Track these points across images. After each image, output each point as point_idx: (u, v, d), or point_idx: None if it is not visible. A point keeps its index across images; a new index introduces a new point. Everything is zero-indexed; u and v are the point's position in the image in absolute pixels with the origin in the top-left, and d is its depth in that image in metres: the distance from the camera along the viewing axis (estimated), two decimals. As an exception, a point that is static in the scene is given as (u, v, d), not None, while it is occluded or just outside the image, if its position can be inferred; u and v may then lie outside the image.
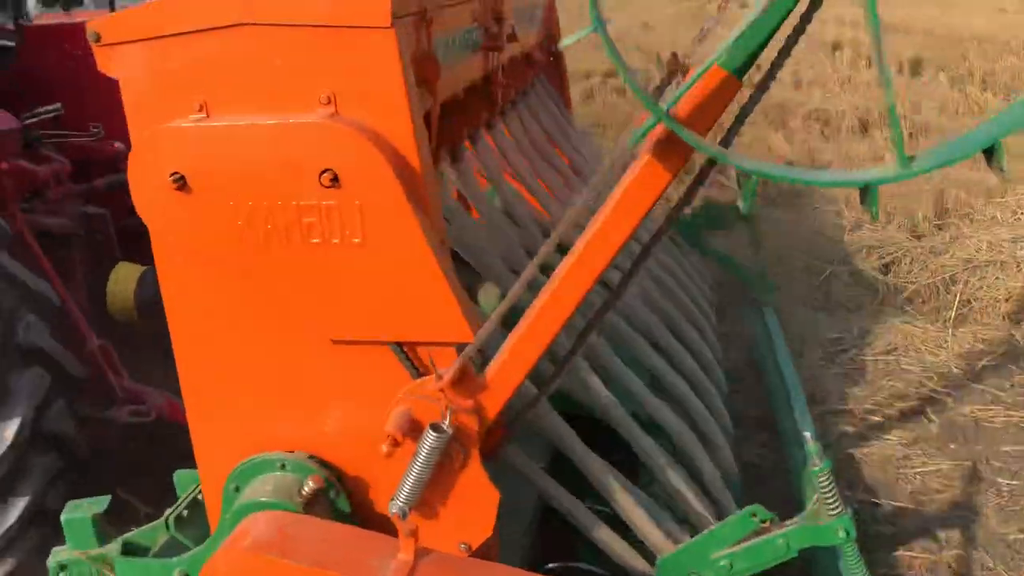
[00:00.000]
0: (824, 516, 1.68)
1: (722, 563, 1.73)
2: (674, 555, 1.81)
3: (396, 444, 1.54)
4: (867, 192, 1.24)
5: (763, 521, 1.71)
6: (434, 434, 1.55)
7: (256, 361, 1.77)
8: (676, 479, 2.03)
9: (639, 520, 1.89)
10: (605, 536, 1.90)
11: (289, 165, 1.59)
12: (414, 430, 1.60)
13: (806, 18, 1.51)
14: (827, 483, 1.67)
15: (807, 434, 1.77)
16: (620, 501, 1.91)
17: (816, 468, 1.68)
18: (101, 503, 2.01)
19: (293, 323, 1.71)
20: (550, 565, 2.04)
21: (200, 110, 1.66)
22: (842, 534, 1.67)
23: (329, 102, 1.60)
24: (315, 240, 1.63)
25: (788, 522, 1.71)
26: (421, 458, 1.56)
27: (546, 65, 3.67)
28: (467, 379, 1.61)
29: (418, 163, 1.61)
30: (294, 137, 1.59)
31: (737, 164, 1.39)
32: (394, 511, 1.56)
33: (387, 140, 1.60)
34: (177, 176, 1.64)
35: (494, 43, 2.31)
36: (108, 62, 1.71)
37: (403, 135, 1.60)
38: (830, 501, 1.67)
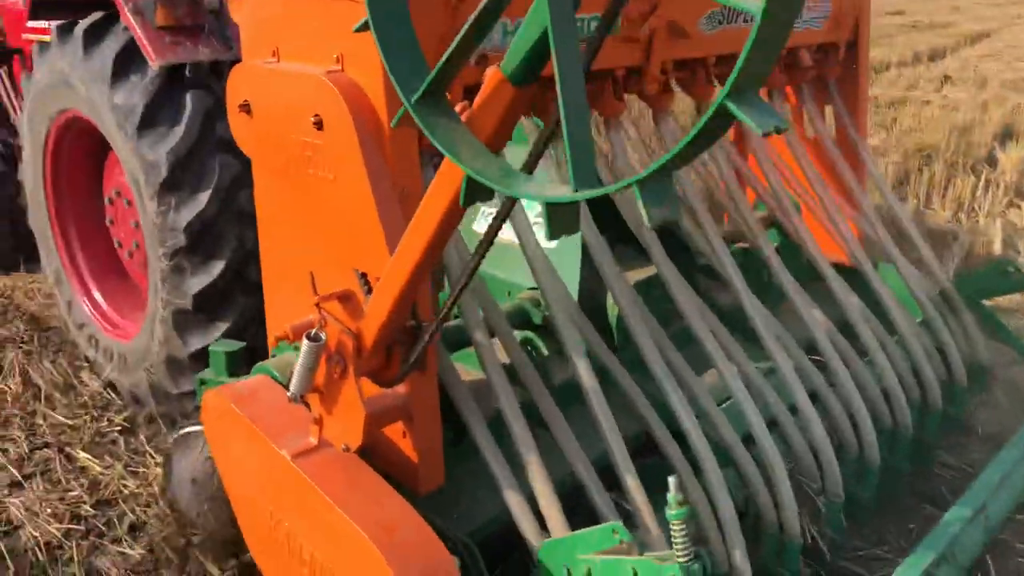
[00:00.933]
0: (671, 559, 1.69)
1: (584, 566, 1.80)
2: (555, 542, 1.88)
3: (288, 339, 1.88)
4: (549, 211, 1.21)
5: (621, 540, 1.73)
6: (306, 340, 1.82)
7: (283, 251, 2.22)
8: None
9: (544, 498, 1.98)
10: (516, 505, 1.97)
11: (300, 107, 2.00)
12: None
13: (610, 16, 1.37)
14: (679, 529, 1.68)
15: (671, 479, 1.72)
16: (531, 466, 2.00)
17: (672, 513, 1.69)
18: (235, 345, 2.54)
19: (302, 234, 2.13)
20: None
21: (273, 55, 2.15)
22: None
23: (338, 61, 1.97)
24: (311, 171, 2.03)
25: (647, 553, 1.72)
26: (299, 359, 1.83)
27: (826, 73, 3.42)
28: (353, 304, 1.84)
29: (386, 120, 1.89)
30: (302, 85, 2.01)
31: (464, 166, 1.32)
32: (287, 395, 1.88)
33: (366, 98, 1.92)
34: (244, 103, 2.15)
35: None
36: (234, 11, 2.28)
37: (378, 94, 1.90)
38: (680, 547, 1.69)
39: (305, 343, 1.83)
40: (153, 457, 3.23)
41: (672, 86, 2.77)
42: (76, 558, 2.71)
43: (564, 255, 2.49)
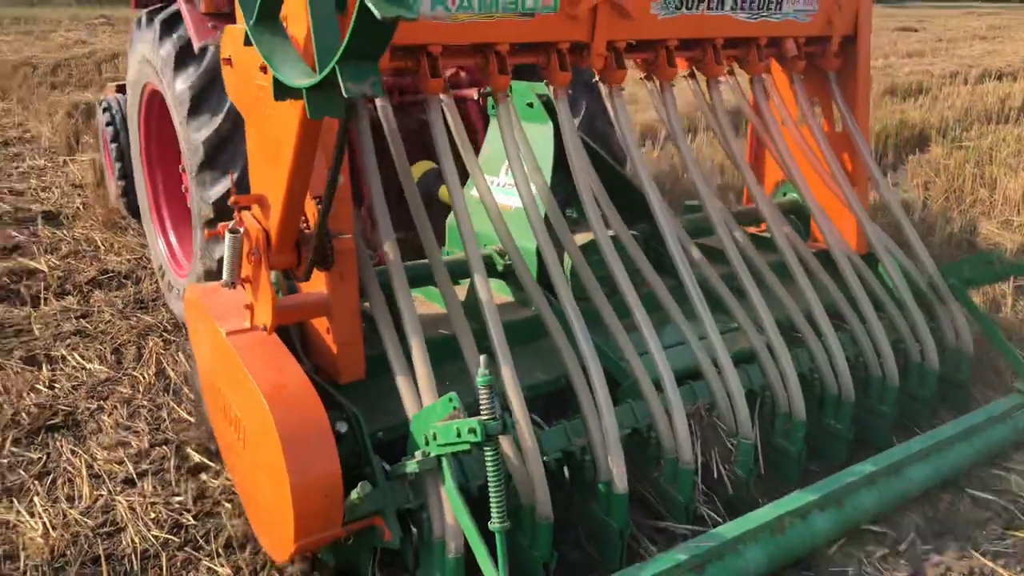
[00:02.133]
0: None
1: (431, 432, 2.16)
2: (418, 414, 2.26)
3: (221, 234, 2.33)
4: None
5: (455, 407, 2.10)
6: (228, 233, 2.28)
7: (255, 179, 2.39)
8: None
9: (421, 374, 2.33)
10: (402, 385, 2.33)
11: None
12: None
13: None
14: (485, 395, 2.02)
15: (482, 357, 2.08)
16: (413, 349, 2.35)
17: (479, 380, 2.02)
18: None
19: (262, 162, 2.30)
20: None
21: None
22: (479, 432, 2.00)
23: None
24: (263, 109, 2.12)
25: (470, 417, 2.05)
26: (225, 250, 2.29)
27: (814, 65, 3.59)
28: (266, 208, 2.25)
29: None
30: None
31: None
32: (220, 283, 2.34)
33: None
34: (227, 57, 2.26)
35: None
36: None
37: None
38: (485, 408, 2.02)
39: (227, 235, 2.29)
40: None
41: (623, 63, 2.98)
42: (168, 574, 2.61)
43: (523, 219, 2.77)
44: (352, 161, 3.36)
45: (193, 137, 3.48)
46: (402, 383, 2.34)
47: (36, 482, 3.06)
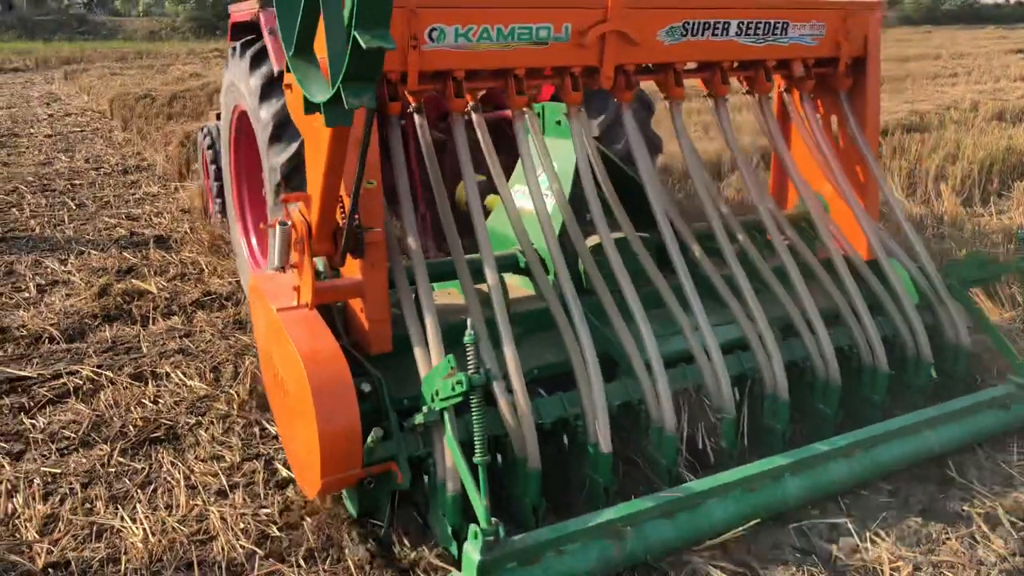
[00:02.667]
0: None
1: (435, 390, 2.58)
2: (426, 376, 2.68)
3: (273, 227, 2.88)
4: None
5: (452, 367, 2.49)
6: (278, 225, 2.82)
7: (311, 184, 2.79)
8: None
9: (433, 345, 2.79)
10: (422, 361, 2.78)
11: None
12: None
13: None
14: (469, 351, 2.42)
15: (469, 320, 2.55)
16: (428, 326, 2.83)
17: (465, 340, 2.43)
18: None
19: (313, 166, 2.75)
20: None
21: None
22: (464, 383, 2.41)
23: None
24: (312, 124, 2.57)
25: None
26: (276, 238, 2.82)
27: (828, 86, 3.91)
28: (309, 204, 2.78)
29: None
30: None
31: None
32: (270, 267, 2.96)
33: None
34: (288, 83, 2.69)
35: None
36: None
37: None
38: (468, 361, 2.42)
39: (278, 227, 2.83)
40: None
41: (632, 85, 3.40)
42: (252, 584, 2.77)
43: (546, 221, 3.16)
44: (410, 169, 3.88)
45: (273, 160, 3.94)
46: (419, 353, 2.80)
47: (139, 491, 3.29)
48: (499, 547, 2.43)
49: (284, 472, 3.39)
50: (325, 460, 2.58)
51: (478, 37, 3.00)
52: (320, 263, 2.89)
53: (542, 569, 2.52)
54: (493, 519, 2.42)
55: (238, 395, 4.04)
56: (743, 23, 3.49)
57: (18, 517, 3.12)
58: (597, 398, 2.84)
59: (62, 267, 6.05)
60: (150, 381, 4.21)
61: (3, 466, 3.46)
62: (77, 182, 9.07)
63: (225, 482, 3.33)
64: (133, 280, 5.66)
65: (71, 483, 3.33)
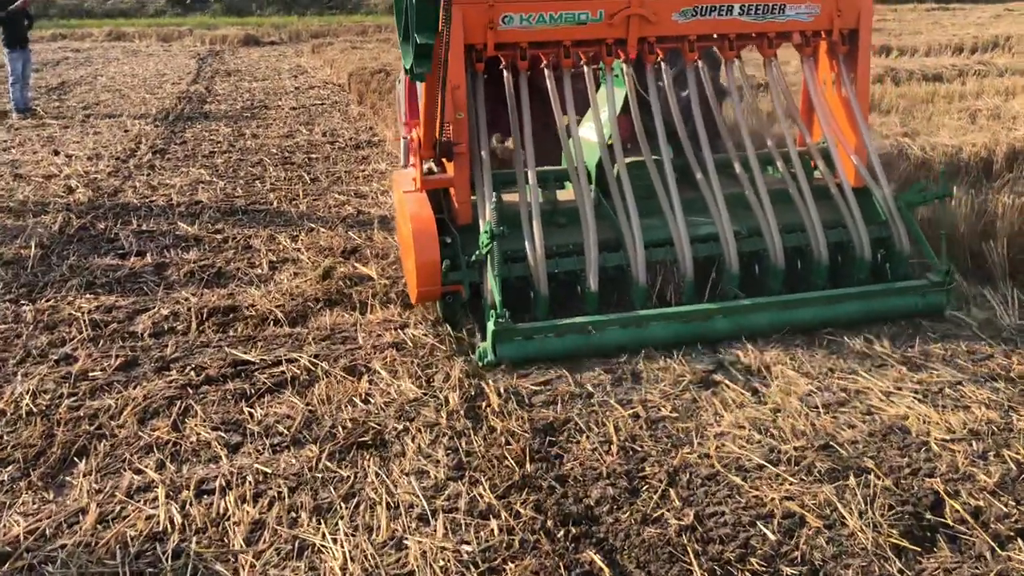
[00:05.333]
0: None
1: (483, 239, 4.14)
2: (481, 231, 4.22)
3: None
4: None
5: (493, 235, 4.10)
6: (403, 138, 5.07)
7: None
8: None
9: (489, 213, 4.30)
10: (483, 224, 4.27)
11: None
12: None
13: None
14: (491, 213, 4.23)
15: (493, 194, 4.36)
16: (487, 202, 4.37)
17: (488, 208, 4.25)
18: None
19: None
20: None
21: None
22: (489, 232, 4.08)
23: None
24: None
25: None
26: (402, 147, 5.35)
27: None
28: (419, 127, 4.64)
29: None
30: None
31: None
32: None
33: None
34: None
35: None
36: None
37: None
38: (492, 220, 4.20)
39: (402, 140, 4.80)
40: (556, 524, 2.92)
41: (654, 51, 4.71)
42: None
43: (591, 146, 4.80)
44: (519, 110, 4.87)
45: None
46: (481, 223, 4.28)
47: (343, 503, 3.16)
48: (506, 324, 4.05)
49: (488, 498, 3.12)
50: (420, 277, 4.35)
51: (536, 21, 4.52)
52: (428, 164, 4.57)
53: (536, 343, 4.15)
54: (505, 311, 4.06)
55: (449, 401, 3.84)
56: (744, 6, 4.68)
57: (228, 519, 3.09)
58: (593, 258, 4.33)
59: (292, 244, 6.23)
60: (363, 377, 4.13)
61: (221, 458, 3.48)
62: (314, 155, 9.47)
63: (427, 506, 3.12)
64: (355, 264, 5.69)
65: (279, 486, 3.26)
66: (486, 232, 4.04)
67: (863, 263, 4.66)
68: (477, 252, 4.15)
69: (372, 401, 3.90)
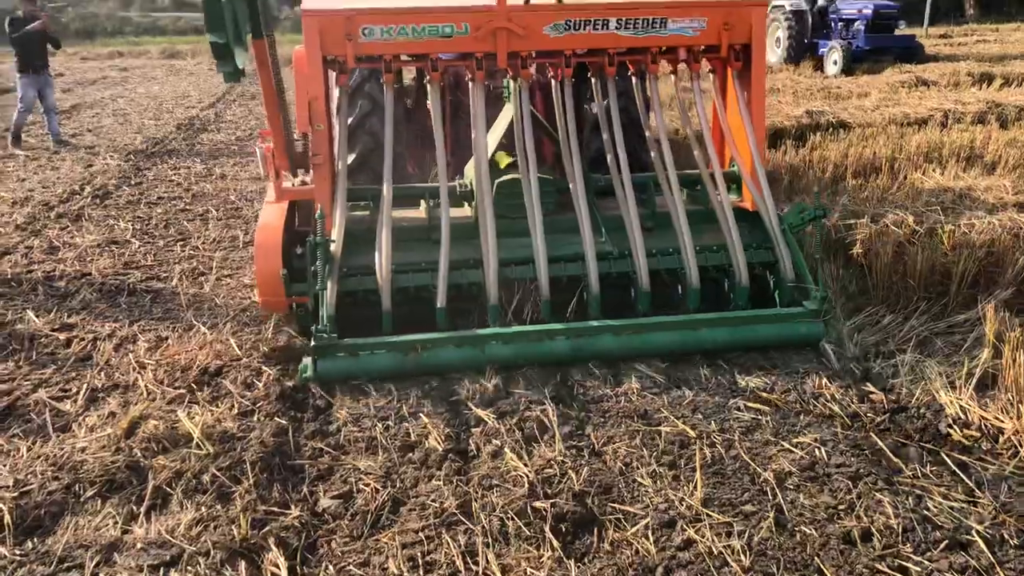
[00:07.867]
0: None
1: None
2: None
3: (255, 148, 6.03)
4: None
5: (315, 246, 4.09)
6: (258, 150, 4.95)
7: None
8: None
9: (339, 223, 4.35)
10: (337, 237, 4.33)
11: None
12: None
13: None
14: (319, 223, 4.07)
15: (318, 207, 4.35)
16: (337, 219, 4.40)
17: (316, 214, 4.15)
18: None
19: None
20: None
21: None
22: (312, 243, 4.06)
23: None
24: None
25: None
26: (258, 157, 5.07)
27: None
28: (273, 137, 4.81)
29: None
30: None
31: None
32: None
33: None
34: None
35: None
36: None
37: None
38: (319, 232, 4.07)
39: (257, 151, 4.77)
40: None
41: (527, 66, 4.56)
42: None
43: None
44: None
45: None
46: (334, 235, 4.30)
47: None
48: (328, 340, 3.93)
49: None
50: (260, 288, 4.42)
51: (397, 33, 4.37)
52: (303, 176, 4.81)
53: (360, 360, 3.99)
54: (328, 326, 3.97)
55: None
56: (622, 20, 4.45)
57: None
58: (442, 272, 4.21)
59: (146, 356, 4.53)
60: None
61: None
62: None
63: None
64: (193, 406, 3.89)
65: None
66: (310, 243, 4.03)
67: (741, 289, 4.47)
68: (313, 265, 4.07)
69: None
